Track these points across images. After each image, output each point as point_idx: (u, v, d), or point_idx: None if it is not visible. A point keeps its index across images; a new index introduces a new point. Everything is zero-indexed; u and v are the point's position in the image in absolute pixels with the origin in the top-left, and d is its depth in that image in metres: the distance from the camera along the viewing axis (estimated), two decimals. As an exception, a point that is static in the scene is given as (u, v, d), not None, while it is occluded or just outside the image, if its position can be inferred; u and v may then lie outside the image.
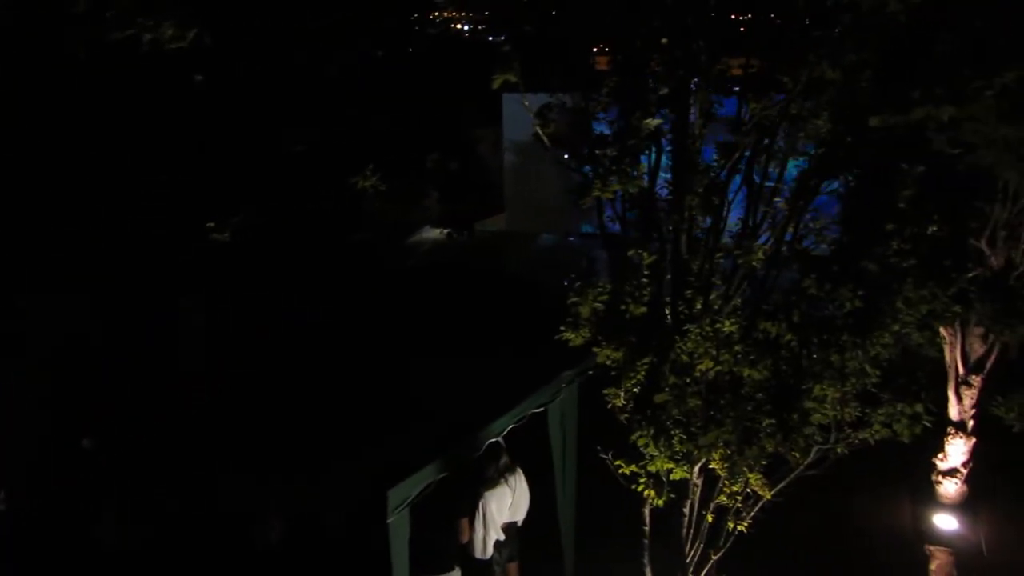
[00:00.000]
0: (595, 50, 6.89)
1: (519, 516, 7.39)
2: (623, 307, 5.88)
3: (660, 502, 6.03)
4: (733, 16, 6.34)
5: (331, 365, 7.58)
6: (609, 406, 6.11)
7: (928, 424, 5.98)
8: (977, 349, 7.83)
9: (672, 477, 5.88)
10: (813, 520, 8.05)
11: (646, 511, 6.30)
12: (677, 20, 5.72)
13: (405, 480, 5.78)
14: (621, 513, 6.49)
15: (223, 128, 9.01)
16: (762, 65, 5.89)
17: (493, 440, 6.73)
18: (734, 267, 5.95)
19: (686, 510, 6.21)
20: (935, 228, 6.35)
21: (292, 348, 7.96)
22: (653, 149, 6.00)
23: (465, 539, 7.25)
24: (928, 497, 8.41)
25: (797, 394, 5.63)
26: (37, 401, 7.63)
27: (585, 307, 5.90)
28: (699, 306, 5.84)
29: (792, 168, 5.99)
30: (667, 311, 5.96)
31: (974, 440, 8.09)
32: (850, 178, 6.25)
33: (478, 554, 7.29)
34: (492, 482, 7.19)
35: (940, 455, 8.23)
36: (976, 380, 7.88)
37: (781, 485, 5.99)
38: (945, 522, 8.21)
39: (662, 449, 5.63)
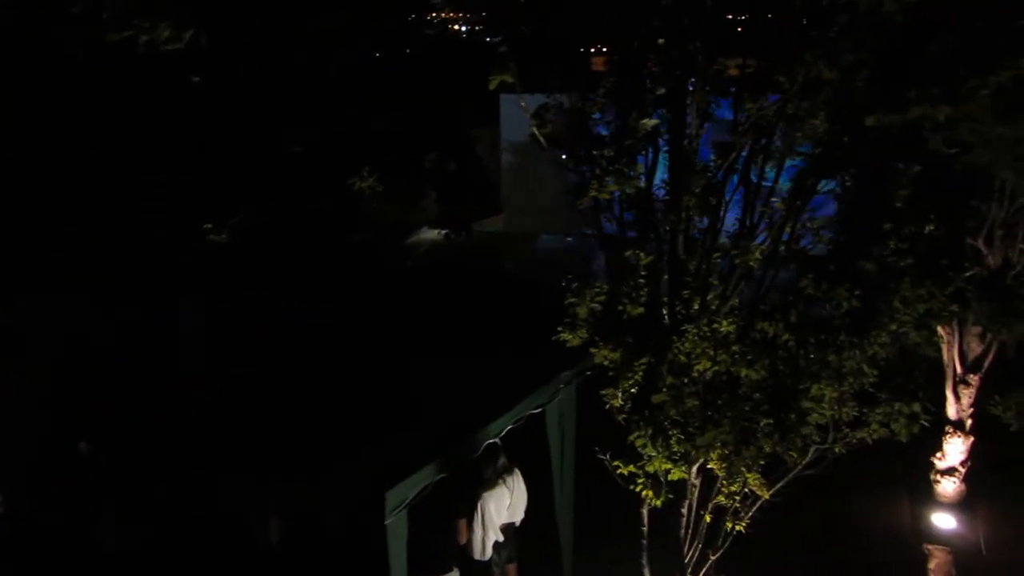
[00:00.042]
0: (592, 51, 6.90)
1: (517, 517, 7.39)
2: (620, 308, 5.88)
3: (658, 502, 6.03)
4: (730, 16, 6.35)
5: (330, 365, 7.59)
6: (607, 407, 6.11)
7: (926, 423, 5.99)
8: (975, 348, 7.85)
9: (670, 477, 5.88)
10: (812, 520, 8.05)
11: (644, 511, 6.30)
12: (674, 20, 5.72)
13: (403, 481, 5.78)
14: (619, 514, 6.49)
15: (223, 128, 9.02)
16: (759, 65, 5.89)
17: (491, 441, 6.73)
18: (731, 267, 5.95)
19: (684, 510, 6.21)
20: (932, 227, 6.36)
21: (292, 348, 7.96)
22: (650, 149, 6.00)
23: (463, 540, 7.25)
24: (926, 496, 8.43)
25: (794, 394, 5.63)
26: (37, 401, 7.64)
27: (582, 308, 5.89)
28: (696, 306, 5.84)
29: (787, 168, 5.99)
30: (664, 311, 5.96)
31: (972, 439, 8.11)
32: (847, 178, 6.26)
33: (477, 555, 7.29)
34: (490, 483, 7.18)
35: (938, 454, 8.24)
36: (974, 379, 7.90)
37: (779, 485, 5.99)
38: (944, 521, 8.22)
39: (660, 449, 5.62)
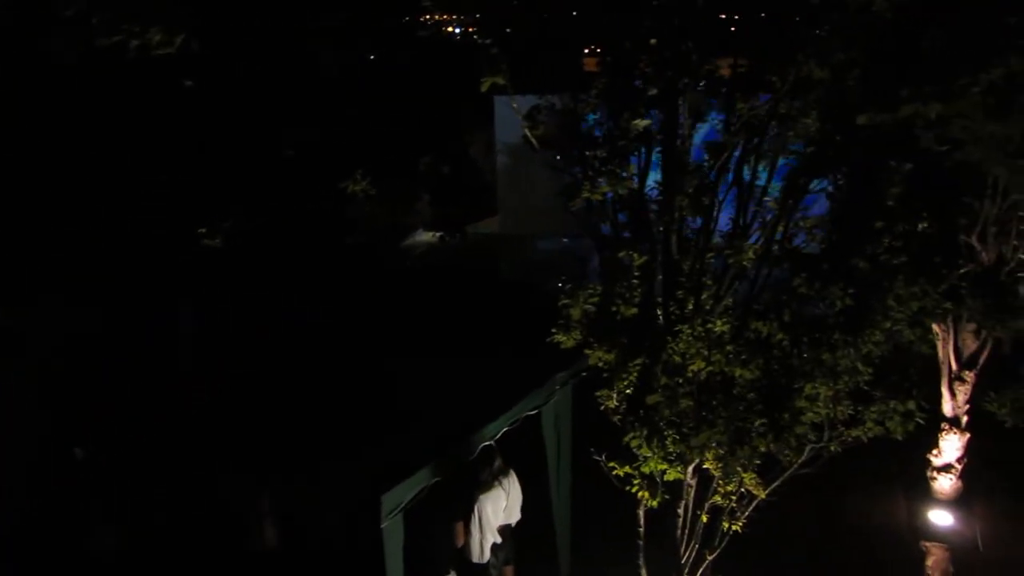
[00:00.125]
0: (585, 51, 6.89)
1: (513, 518, 7.39)
2: (614, 308, 5.88)
3: (654, 503, 6.02)
4: (722, 16, 6.35)
5: (328, 366, 7.59)
6: (602, 408, 6.11)
7: (921, 421, 5.99)
8: (970, 345, 7.83)
9: (666, 478, 5.88)
10: (808, 519, 8.06)
11: (640, 512, 6.29)
12: (666, 20, 5.72)
13: (399, 485, 5.77)
14: (616, 515, 6.48)
15: (223, 129, 9.01)
16: (750, 65, 5.89)
17: (486, 443, 6.72)
18: (725, 267, 5.95)
19: (680, 511, 6.20)
20: (925, 225, 6.36)
21: (291, 349, 7.97)
22: (643, 150, 6.00)
23: (460, 543, 7.24)
24: (923, 493, 8.41)
25: (788, 393, 5.63)
26: (37, 401, 7.64)
27: (576, 309, 5.89)
28: (690, 306, 5.84)
29: (780, 167, 5.99)
30: (659, 312, 5.95)
31: (968, 436, 8.09)
32: (839, 176, 6.26)
33: (475, 558, 7.29)
34: (486, 485, 7.18)
35: (935, 451, 8.23)
36: (969, 376, 7.88)
37: (775, 484, 5.99)
38: (941, 518, 8.21)
39: (655, 450, 5.62)
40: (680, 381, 5.62)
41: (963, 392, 7.96)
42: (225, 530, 7.41)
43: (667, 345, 5.66)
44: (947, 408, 8.07)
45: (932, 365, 7.74)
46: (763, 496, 5.93)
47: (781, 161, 5.99)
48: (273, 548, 7.38)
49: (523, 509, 7.45)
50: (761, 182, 6.00)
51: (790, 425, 5.58)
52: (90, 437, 7.46)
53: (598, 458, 6.10)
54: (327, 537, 7.16)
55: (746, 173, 5.98)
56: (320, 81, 9.25)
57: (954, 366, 7.92)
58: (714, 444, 5.47)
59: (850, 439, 5.96)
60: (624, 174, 5.77)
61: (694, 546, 6.29)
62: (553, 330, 6.07)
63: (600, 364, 5.99)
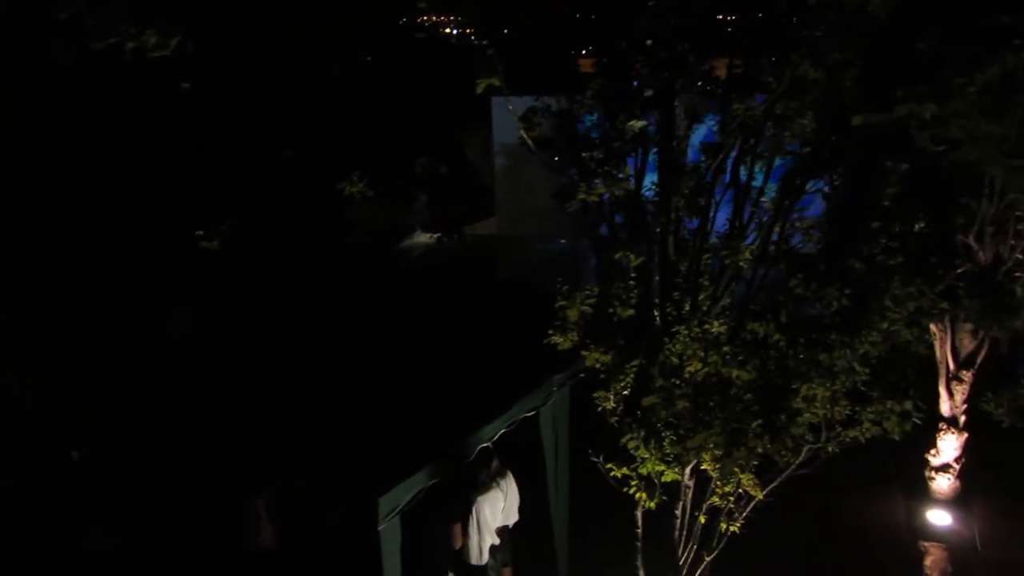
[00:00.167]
0: (581, 52, 6.89)
1: (511, 519, 7.38)
2: (611, 310, 5.88)
3: (652, 504, 6.02)
4: (719, 17, 6.35)
5: (326, 367, 7.60)
6: (599, 409, 6.10)
7: (918, 421, 5.99)
8: (967, 345, 7.84)
9: (663, 479, 5.87)
10: (807, 519, 8.05)
11: (638, 513, 6.29)
12: (663, 21, 5.72)
13: (396, 487, 5.76)
14: (614, 516, 6.48)
15: (222, 129, 9.02)
16: (746, 65, 5.89)
17: (484, 445, 6.71)
18: (721, 268, 5.95)
19: (678, 512, 6.20)
20: (922, 225, 6.36)
21: (291, 349, 7.98)
22: (640, 151, 6.00)
23: (458, 545, 7.23)
24: (921, 493, 8.42)
25: (785, 394, 5.62)
26: (37, 401, 7.64)
27: (573, 310, 5.89)
28: (687, 307, 5.84)
29: (776, 168, 5.99)
30: (655, 313, 5.95)
31: (966, 435, 8.11)
32: (835, 177, 6.26)
33: (474, 560, 7.27)
34: (484, 486, 7.17)
35: (932, 451, 8.24)
36: (967, 375, 7.89)
37: (773, 485, 5.99)
38: (939, 518, 8.22)
39: (652, 451, 5.62)
40: (677, 382, 5.62)
41: (960, 392, 7.97)
42: (225, 530, 7.41)
43: (664, 346, 5.66)
44: (945, 408, 8.08)
45: (929, 365, 7.74)
46: (761, 497, 5.93)
47: (777, 162, 5.99)
48: (273, 548, 7.38)
49: (521, 510, 7.45)
50: (758, 183, 5.99)
51: (786, 426, 5.58)
52: (90, 437, 7.45)
53: (596, 459, 6.10)
54: (326, 537, 7.16)
55: (743, 174, 5.98)
56: (320, 81, 9.26)
57: (951, 366, 7.93)
58: (711, 445, 5.47)
59: (847, 439, 5.95)
60: (620, 175, 5.77)
61: (692, 547, 6.29)
62: (550, 332, 6.06)
63: (597, 365, 5.99)
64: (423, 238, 16.78)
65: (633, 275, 5.94)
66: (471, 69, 5.93)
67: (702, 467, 5.87)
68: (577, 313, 5.92)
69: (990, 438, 7.99)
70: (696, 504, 6.19)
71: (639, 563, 6.49)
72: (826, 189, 6.33)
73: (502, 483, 7.24)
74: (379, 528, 5.68)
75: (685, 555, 6.29)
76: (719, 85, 5.94)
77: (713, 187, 5.92)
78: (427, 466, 6.01)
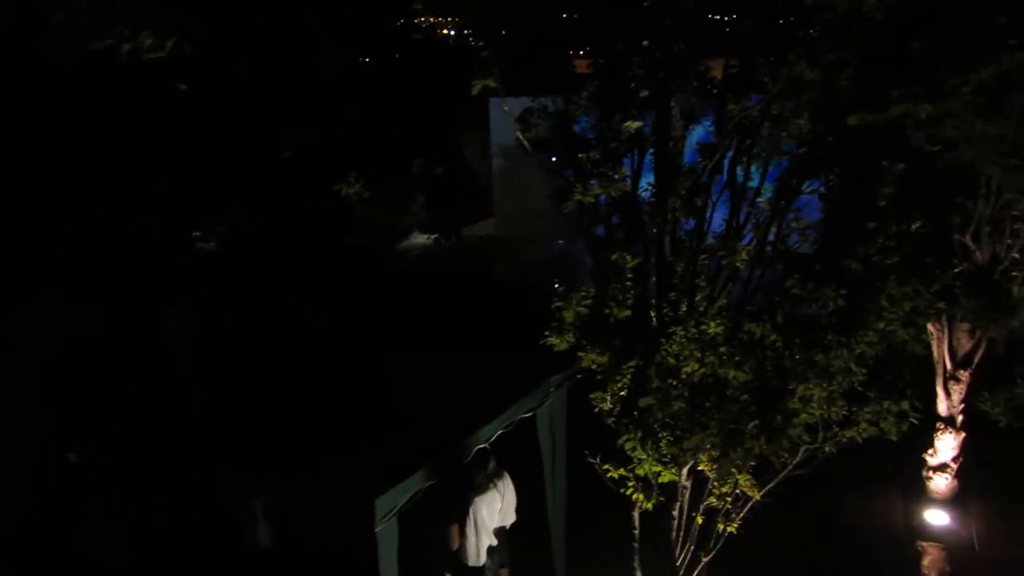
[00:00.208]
0: (577, 53, 6.89)
1: (508, 520, 7.38)
2: (607, 311, 5.87)
3: (649, 505, 6.02)
4: (716, 17, 6.35)
5: (325, 367, 7.60)
6: (596, 410, 6.10)
7: (915, 421, 5.99)
8: (964, 344, 7.84)
9: (660, 480, 5.87)
10: (804, 520, 8.05)
11: (635, 514, 6.29)
12: (658, 21, 5.72)
13: (393, 488, 5.76)
14: (611, 517, 6.47)
15: (222, 129, 9.02)
16: (742, 66, 5.90)
17: (481, 446, 6.71)
18: (718, 268, 5.95)
19: (675, 512, 6.20)
20: (918, 225, 6.36)
21: (291, 349, 7.98)
22: (636, 152, 5.99)
23: (456, 546, 7.23)
24: (919, 493, 8.41)
25: (782, 395, 5.62)
26: (37, 401, 7.64)
27: (569, 311, 5.88)
28: (684, 308, 5.84)
29: (772, 168, 6.00)
30: (652, 314, 5.95)
31: (963, 435, 8.10)
32: (831, 177, 6.26)
33: (471, 561, 7.27)
34: (481, 488, 7.17)
35: (930, 451, 8.23)
36: (964, 375, 7.89)
37: (770, 485, 5.99)
38: (936, 518, 8.21)
39: (649, 452, 5.61)
40: (673, 383, 5.62)
41: (958, 392, 7.96)
42: (225, 530, 7.41)
43: (660, 347, 5.66)
44: (942, 408, 8.08)
45: (926, 365, 7.74)
46: (758, 497, 5.93)
47: (773, 162, 5.99)
48: (272, 548, 7.38)
49: (518, 511, 7.45)
50: (754, 183, 6.00)
51: (783, 426, 5.58)
52: (90, 437, 7.45)
53: (593, 460, 6.10)
54: (326, 537, 7.16)
55: (739, 174, 5.98)
56: (319, 81, 9.27)
57: (948, 366, 7.92)
58: (708, 446, 5.47)
59: (844, 440, 5.95)
60: (616, 176, 5.77)
61: (689, 548, 6.29)
62: (547, 333, 6.06)
63: (594, 366, 5.99)
64: (421, 239, 16.78)
65: (629, 276, 5.94)
66: (468, 70, 5.94)
67: (699, 468, 5.88)
68: (573, 314, 5.91)
69: (987, 438, 7.98)
70: (693, 505, 6.19)
71: (636, 564, 6.48)
72: (822, 190, 6.33)
73: (499, 484, 7.23)
74: (376, 530, 5.68)
75: (682, 556, 6.29)
76: (715, 86, 5.94)
77: (709, 188, 5.92)
78: (424, 467, 6.01)
